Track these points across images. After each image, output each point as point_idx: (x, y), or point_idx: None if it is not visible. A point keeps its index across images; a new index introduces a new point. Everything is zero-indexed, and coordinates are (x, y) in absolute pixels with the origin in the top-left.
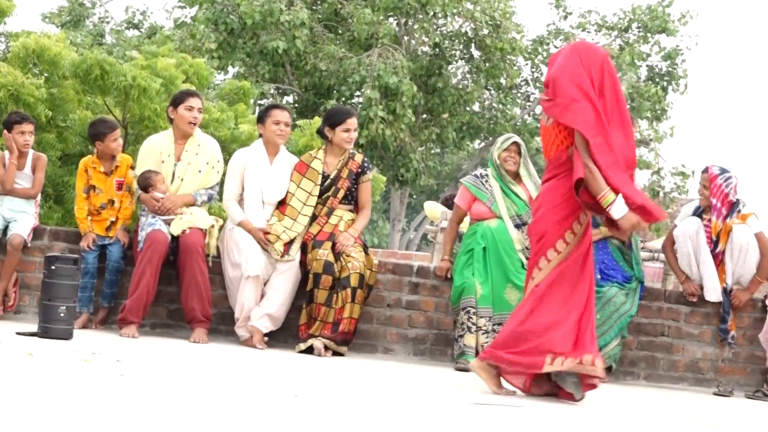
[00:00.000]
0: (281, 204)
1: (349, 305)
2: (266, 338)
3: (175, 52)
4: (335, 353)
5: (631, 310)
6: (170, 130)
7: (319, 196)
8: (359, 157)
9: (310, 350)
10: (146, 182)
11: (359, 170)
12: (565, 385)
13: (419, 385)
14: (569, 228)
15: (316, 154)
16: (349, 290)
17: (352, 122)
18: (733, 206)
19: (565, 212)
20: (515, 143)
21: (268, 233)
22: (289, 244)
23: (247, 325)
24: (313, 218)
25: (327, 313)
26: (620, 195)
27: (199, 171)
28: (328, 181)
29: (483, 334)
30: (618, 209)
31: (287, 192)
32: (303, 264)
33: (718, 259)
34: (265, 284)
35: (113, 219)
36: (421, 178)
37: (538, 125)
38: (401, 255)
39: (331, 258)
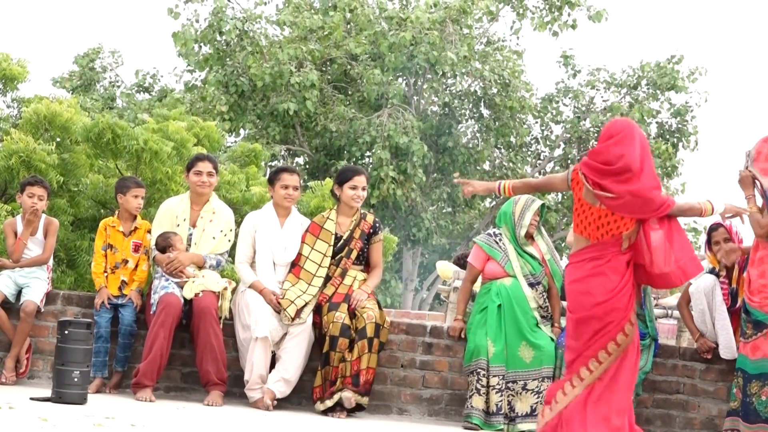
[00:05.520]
0: (294, 266)
1: (366, 356)
2: (275, 402)
3: (186, 115)
4: (357, 406)
5: (645, 367)
6: (187, 194)
7: (332, 257)
8: (371, 218)
9: (331, 409)
10: (166, 242)
11: (371, 231)
12: None
13: None
14: (629, 319)
15: (329, 215)
16: (365, 341)
17: (360, 180)
18: (746, 258)
19: (627, 299)
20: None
21: (281, 298)
22: (301, 308)
23: (262, 387)
24: (327, 279)
25: (345, 368)
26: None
27: (213, 238)
28: (341, 242)
29: (496, 393)
30: (719, 205)
31: (300, 255)
32: (315, 325)
33: (737, 314)
34: (276, 345)
35: (124, 279)
36: (432, 237)
37: None
38: (414, 315)
39: (347, 321)
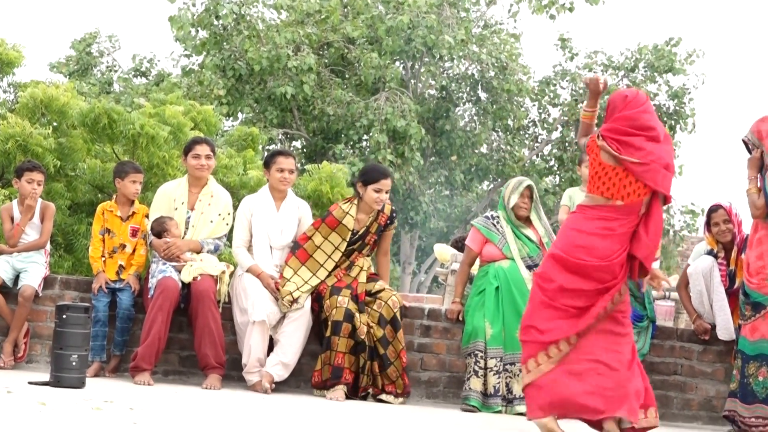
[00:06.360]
0: (298, 248)
1: (396, 341)
2: (274, 385)
3: (183, 99)
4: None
5: (643, 349)
6: (185, 178)
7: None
8: (388, 209)
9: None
10: (161, 227)
11: (387, 222)
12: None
13: (426, 429)
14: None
15: (348, 210)
16: (401, 330)
17: (386, 183)
18: (745, 240)
19: (620, 266)
20: (528, 187)
21: (281, 286)
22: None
23: (260, 370)
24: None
25: (394, 373)
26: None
27: (211, 221)
28: (357, 236)
29: (494, 374)
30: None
31: (309, 240)
32: (313, 311)
33: (735, 296)
34: (273, 329)
35: (122, 263)
36: (430, 220)
37: (547, 166)
38: (412, 298)
39: (351, 306)
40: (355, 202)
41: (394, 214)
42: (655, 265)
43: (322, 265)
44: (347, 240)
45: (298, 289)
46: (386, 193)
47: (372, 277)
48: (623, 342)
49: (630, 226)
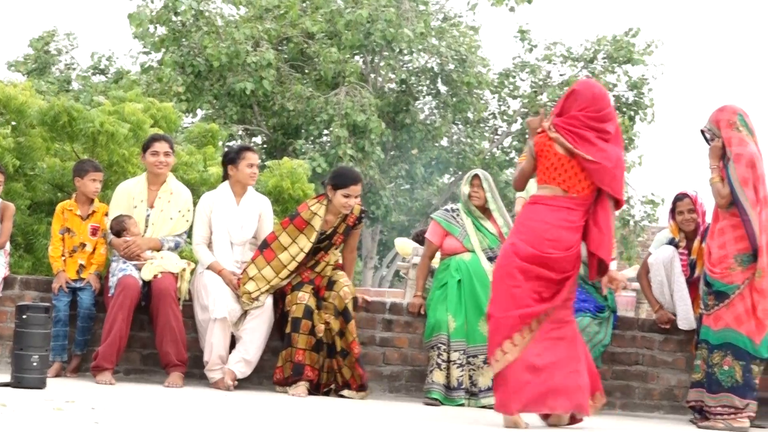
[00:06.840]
0: (266, 247)
1: (349, 333)
2: (236, 382)
3: (142, 96)
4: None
5: (605, 339)
6: (144, 176)
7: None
8: (357, 209)
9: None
10: (120, 226)
11: (355, 222)
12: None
13: (388, 423)
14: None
15: (317, 211)
16: (353, 321)
17: (356, 189)
18: (706, 229)
19: (577, 255)
20: (475, 176)
21: (242, 284)
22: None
23: (222, 368)
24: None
25: (347, 370)
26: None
27: (171, 218)
28: (324, 236)
29: (457, 367)
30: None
31: (277, 240)
32: (277, 304)
33: (695, 285)
34: (235, 326)
35: (82, 262)
36: (391, 214)
37: (507, 158)
38: (374, 292)
39: (311, 302)
40: (324, 202)
41: (363, 215)
42: (613, 265)
43: (285, 266)
44: (313, 242)
45: (258, 289)
46: (356, 198)
47: (336, 267)
48: (571, 335)
49: (585, 219)
